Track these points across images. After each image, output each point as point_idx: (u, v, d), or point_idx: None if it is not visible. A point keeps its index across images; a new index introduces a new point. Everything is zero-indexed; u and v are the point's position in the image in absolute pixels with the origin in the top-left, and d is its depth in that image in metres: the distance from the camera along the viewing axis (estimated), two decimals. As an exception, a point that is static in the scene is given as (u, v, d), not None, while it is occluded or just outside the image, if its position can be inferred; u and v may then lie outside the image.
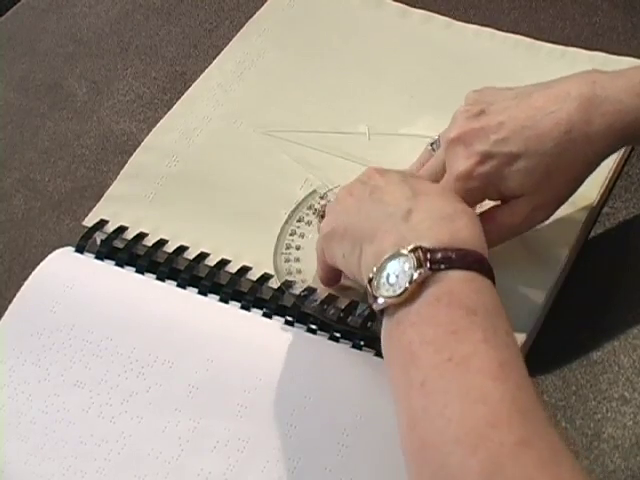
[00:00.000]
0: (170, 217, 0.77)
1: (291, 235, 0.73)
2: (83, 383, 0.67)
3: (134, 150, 0.82)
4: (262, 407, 0.64)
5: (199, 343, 0.67)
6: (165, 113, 0.85)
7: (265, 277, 0.72)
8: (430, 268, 0.55)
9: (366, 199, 0.62)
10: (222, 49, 0.90)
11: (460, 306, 0.54)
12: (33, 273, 0.72)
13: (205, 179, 0.80)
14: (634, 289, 0.71)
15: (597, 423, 0.65)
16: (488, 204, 0.69)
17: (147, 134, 0.84)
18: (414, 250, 0.56)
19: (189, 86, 0.88)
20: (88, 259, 0.74)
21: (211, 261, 0.73)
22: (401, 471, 0.53)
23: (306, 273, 0.70)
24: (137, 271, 0.73)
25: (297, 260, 0.71)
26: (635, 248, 0.74)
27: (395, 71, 0.87)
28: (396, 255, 0.57)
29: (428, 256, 0.56)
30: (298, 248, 0.72)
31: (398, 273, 0.56)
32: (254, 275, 0.72)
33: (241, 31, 0.92)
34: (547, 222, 0.70)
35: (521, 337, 0.67)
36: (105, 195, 0.79)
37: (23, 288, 0.71)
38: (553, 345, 0.69)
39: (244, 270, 0.72)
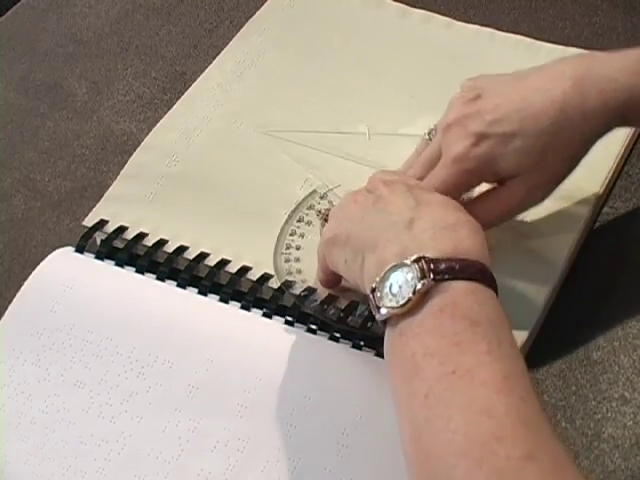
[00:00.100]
0: (170, 217, 0.77)
1: (291, 235, 0.73)
2: (83, 383, 0.67)
3: (134, 150, 0.82)
4: (262, 407, 0.64)
5: (199, 343, 0.67)
6: (165, 113, 0.85)
7: (265, 277, 0.72)
8: (434, 279, 0.55)
9: (370, 208, 0.62)
10: (222, 49, 0.90)
11: (464, 317, 0.54)
12: (33, 273, 0.72)
13: (205, 179, 0.80)
14: (634, 289, 0.71)
15: (597, 423, 0.65)
16: (486, 188, 0.69)
17: (147, 134, 0.84)
18: (417, 260, 0.56)
19: (189, 86, 0.88)
20: (88, 259, 0.74)
21: (211, 261, 0.73)
22: (401, 471, 0.53)
23: (306, 273, 0.70)
24: (137, 271, 0.73)
25: (297, 260, 0.71)
26: (635, 248, 0.74)
27: (395, 71, 0.87)
28: (399, 265, 0.56)
29: (432, 266, 0.55)
30: (298, 248, 0.72)
31: (401, 283, 0.56)
32: (254, 275, 0.72)
33: (241, 31, 0.92)
34: (547, 222, 0.70)
35: (521, 336, 0.67)
36: (105, 195, 0.79)
37: (23, 288, 0.71)
38: (553, 345, 0.69)
39: (244, 270, 0.72)
